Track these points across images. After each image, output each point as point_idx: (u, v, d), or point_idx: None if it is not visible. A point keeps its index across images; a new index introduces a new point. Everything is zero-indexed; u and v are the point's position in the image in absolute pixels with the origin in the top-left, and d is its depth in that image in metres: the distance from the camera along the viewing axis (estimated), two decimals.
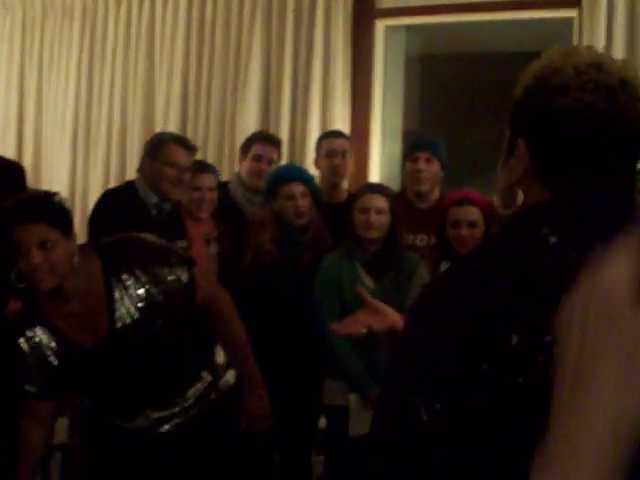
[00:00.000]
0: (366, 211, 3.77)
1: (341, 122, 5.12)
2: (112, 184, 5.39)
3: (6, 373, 2.81)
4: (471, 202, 3.62)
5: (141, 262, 2.70)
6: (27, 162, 5.67)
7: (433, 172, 4.25)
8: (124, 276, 2.68)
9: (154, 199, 3.91)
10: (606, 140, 1.26)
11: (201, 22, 5.58)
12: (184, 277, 2.77)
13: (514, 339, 1.16)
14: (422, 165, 4.21)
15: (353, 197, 3.95)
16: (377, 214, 3.77)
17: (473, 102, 5.68)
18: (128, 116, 5.77)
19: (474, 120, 5.68)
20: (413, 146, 4.34)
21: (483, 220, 3.61)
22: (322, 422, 4.01)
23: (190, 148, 4.00)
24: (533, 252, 1.21)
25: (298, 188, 3.95)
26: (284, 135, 5.21)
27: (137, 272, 2.68)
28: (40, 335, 2.70)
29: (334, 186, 4.48)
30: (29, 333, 2.70)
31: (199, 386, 2.93)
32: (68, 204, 2.68)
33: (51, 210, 2.58)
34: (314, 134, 5.06)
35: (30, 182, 4.41)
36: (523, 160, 1.32)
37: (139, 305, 2.69)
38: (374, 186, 4.01)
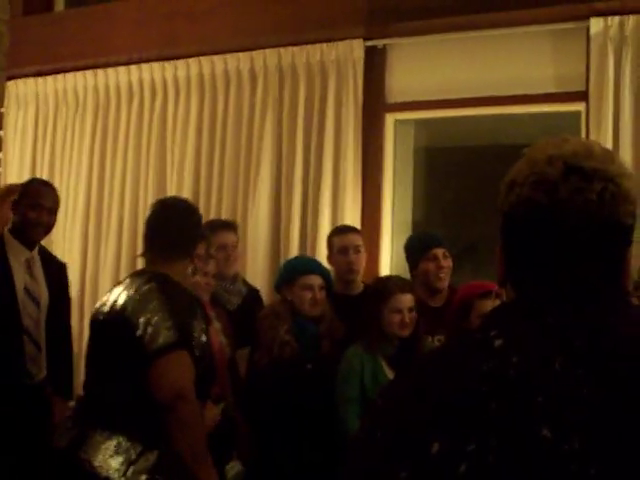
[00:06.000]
0: (399, 311, 3.80)
1: (352, 216, 5.15)
2: (123, 275, 5.39)
3: None
4: (498, 296, 3.61)
5: None
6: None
7: (450, 267, 4.25)
8: None
9: None
10: (547, 236, 1.21)
11: (212, 117, 5.66)
12: None
13: (434, 447, 1.10)
14: (443, 262, 4.22)
15: (381, 294, 3.90)
16: (409, 312, 3.82)
17: (478, 195, 5.71)
18: (139, 210, 5.80)
19: (478, 213, 5.70)
20: (427, 244, 4.30)
21: None
22: None
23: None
24: (475, 355, 1.18)
25: (317, 280, 4.01)
26: (295, 229, 5.25)
27: None
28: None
29: (348, 281, 4.46)
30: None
31: None
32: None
33: None
34: (325, 228, 5.08)
35: None
36: (498, 261, 1.31)
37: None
38: (403, 285, 3.94)
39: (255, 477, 3.95)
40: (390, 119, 5.38)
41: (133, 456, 2.87)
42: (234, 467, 3.86)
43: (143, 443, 2.90)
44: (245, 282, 4.73)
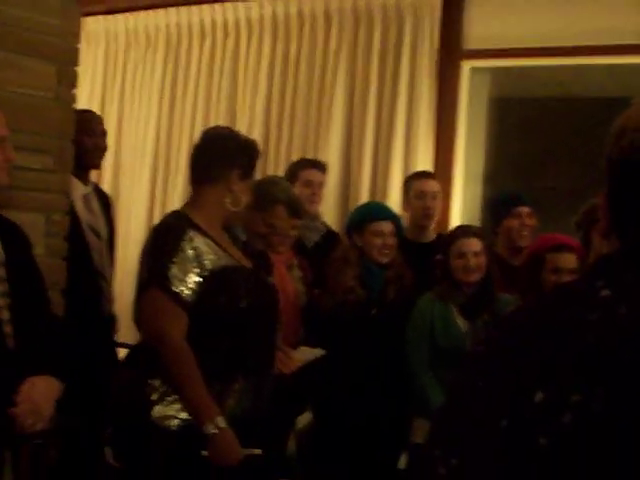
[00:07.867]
0: (463, 255, 3.78)
1: (423, 164, 5.08)
2: None
3: None
4: (570, 249, 3.55)
5: None
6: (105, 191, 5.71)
7: (534, 227, 4.23)
8: None
9: (244, 237, 3.90)
10: None
11: (285, 59, 5.60)
12: None
13: (538, 396, 1.07)
14: (527, 220, 4.22)
15: (447, 241, 3.91)
16: (474, 257, 3.78)
17: (550, 147, 5.62)
18: None
19: (551, 164, 5.61)
20: (513, 201, 4.34)
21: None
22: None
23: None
24: (580, 305, 1.14)
25: (388, 227, 3.96)
26: (366, 174, 5.20)
27: None
28: (197, 241, 2.87)
29: (423, 227, 4.45)
30: (190, 234, 2.88)
31: None
32: None
33: None
34: (396, 174, 5.05)
35: None
36: (603, 211, 1.26)
37: None
38: (467, 229, 3.97)
39: (321, 425, 3.95)
40: (466, 66, 5.28)
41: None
42: (305, 417, 3.86)
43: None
44: (325, 224, 4.70)
